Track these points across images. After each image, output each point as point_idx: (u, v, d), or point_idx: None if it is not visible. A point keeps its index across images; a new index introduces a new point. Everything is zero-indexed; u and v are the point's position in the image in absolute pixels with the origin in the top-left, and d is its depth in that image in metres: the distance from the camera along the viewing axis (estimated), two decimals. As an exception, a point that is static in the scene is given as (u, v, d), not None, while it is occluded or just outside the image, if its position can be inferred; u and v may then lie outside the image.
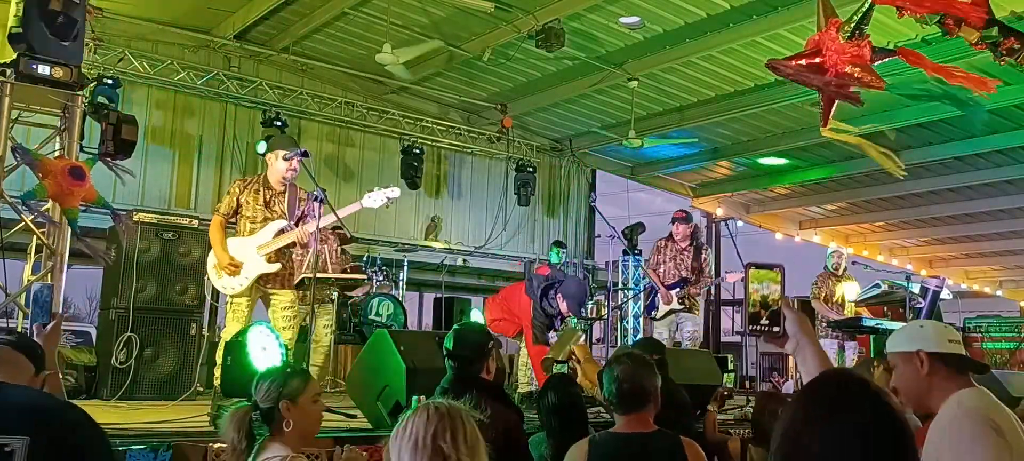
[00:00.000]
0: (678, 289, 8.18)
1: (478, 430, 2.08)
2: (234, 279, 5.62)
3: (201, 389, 6.73)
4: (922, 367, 2.52)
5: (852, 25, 4.06)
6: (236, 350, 4.73)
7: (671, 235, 8.47)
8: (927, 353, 2.52)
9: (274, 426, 2.86)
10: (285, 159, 5.83)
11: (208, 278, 5.92)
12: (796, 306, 2.67)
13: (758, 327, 2.40)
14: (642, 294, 11.11)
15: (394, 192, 5.93)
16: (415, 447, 1.97)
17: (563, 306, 6.55)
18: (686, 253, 8.32)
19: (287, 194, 5.82)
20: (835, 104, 4.13)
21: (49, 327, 2.65)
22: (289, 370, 3.01)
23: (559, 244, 10.21)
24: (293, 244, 5.80)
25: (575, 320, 7.39)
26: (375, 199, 5.88)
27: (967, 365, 2.56)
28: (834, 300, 8.96)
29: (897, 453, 1.48)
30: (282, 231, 5.71)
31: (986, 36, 4.54)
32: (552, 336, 6.56)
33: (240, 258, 5.64)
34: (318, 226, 5.68)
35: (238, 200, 5.76)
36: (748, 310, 2.51)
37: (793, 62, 4.11)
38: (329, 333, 7.65)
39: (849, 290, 9.02)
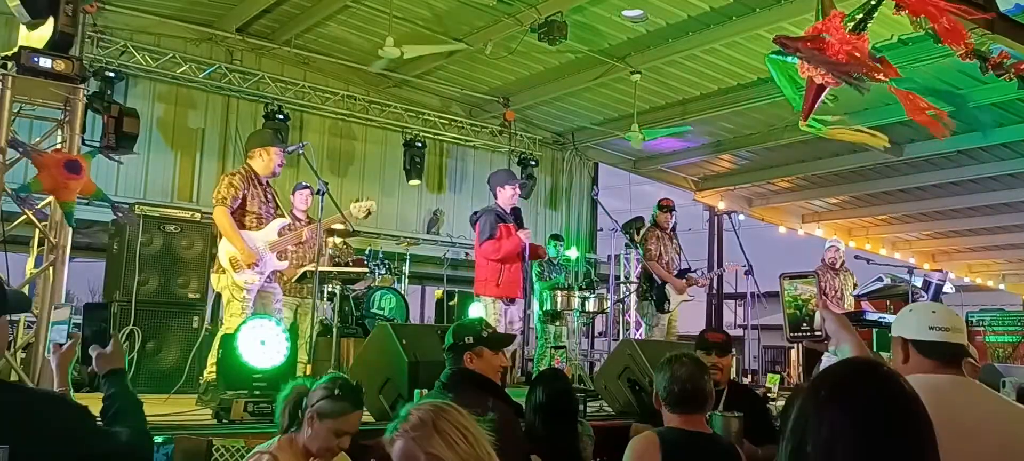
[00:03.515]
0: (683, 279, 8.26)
1: (468, 422, 2.10)
2: (253, 272, 5.62)
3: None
4: (899, 354, 2.36)
5: (856, 20, 4.03)
6: (227, 346, 4.66)
7: (658, 224, 8.51)
8: (904, 339, 2.36)
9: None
10: (288, 153, 5.85)
11: (223, 270, 5.67)
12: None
13: (799, 333, 2.38)
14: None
15: (371, 204, 6.18)
16: None
17: (496, 193, 7.11)
18: (673, 241, 8.41)
19: (270, 188, 5.87)
20: (820, 98, 4.11)
21: (66, 346, 2.62)
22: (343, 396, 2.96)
23: (556, 238, 10.18)
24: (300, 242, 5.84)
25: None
26: (357, 211, 6.07)
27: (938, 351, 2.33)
28: (832, 294, 8.97)
29: (904, 436, 1.44)
30: (284, 228, 5.74)
31: (977, 49, 4.50)
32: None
33: (257, 251, 5.67)
34: (320, 221, 5.72)
35: (243, 195, 5.76)
36: (788, 320, 2.46)
37: (800, 41, 4.07)
38: (310, 327, 7.66)
39: (848, 284, 9.06)
